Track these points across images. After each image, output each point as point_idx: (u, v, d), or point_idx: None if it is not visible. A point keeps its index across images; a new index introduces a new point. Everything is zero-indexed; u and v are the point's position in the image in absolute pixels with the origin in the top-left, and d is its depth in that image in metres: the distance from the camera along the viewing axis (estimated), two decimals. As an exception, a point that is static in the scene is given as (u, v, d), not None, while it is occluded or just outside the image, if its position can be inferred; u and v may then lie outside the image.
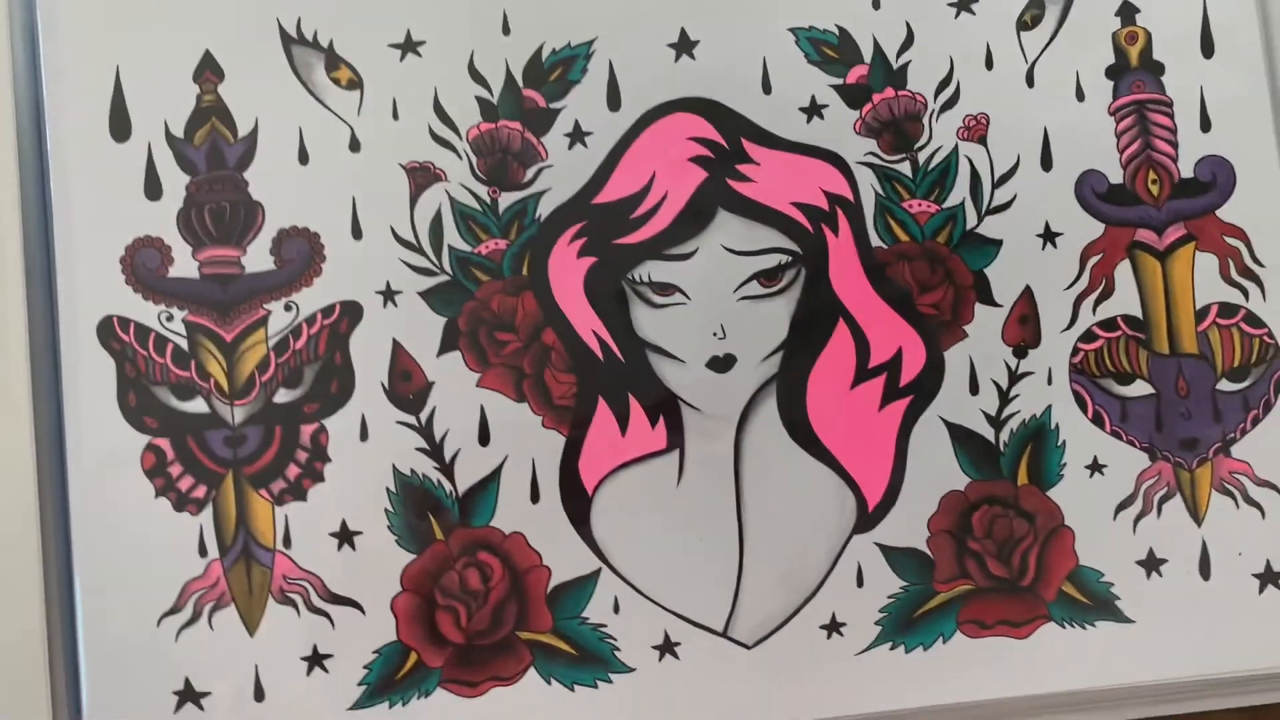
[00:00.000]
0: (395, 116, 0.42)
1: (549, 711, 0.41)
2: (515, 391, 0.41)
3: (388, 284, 0.41)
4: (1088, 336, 0.43)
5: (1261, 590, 0.42)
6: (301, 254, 0.41)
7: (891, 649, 0.42)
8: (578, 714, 0.41)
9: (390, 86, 0.42)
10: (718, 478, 0.42)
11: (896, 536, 0.42)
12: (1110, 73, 0.43)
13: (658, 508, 0.41)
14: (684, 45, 0.42)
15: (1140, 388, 0.43)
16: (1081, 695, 0.42)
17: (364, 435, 0.41)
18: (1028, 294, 0.43)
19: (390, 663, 0.40)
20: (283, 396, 0.41)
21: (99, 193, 0.41)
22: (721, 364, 0.42)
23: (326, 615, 0.40)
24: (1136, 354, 0.43)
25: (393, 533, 0.41)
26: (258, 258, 0.41)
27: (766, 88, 0.43)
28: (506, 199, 0.42)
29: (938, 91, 0.43)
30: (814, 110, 0.43)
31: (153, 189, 0.41)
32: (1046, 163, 0.43)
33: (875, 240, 0.43)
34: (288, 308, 0.41)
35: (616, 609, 0.41)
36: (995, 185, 0.43)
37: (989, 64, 0.43)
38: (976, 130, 0.43)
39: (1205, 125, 0.43)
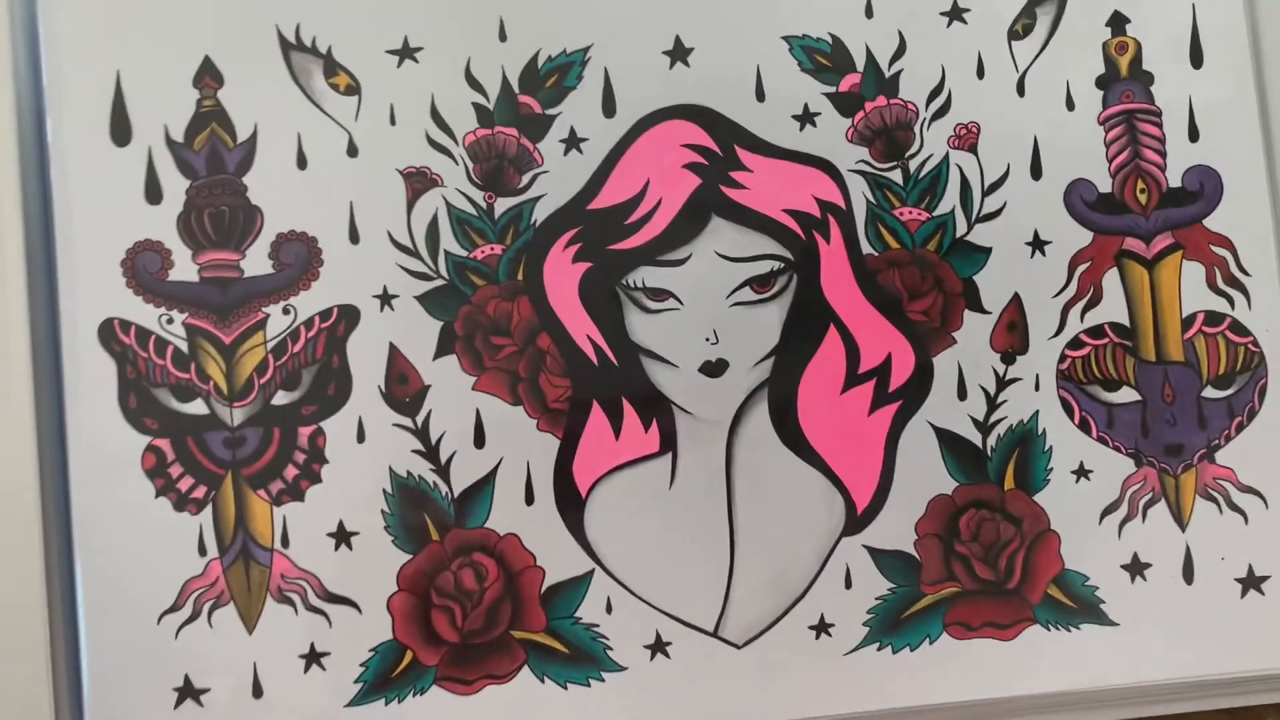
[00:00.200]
0: (393, 122, 0.42)
1: (542, 709, 0.41)
2: (510, 395, 0.41)
3: (385, 288, 0.41)
4: (1075, 343, 0.43)
5: (1244, 595, 0.42)
6: (300, 258, 0.41)
7: (879, 649, 0.42)
8: (571, 712, 0.41)
9: (388, 92, 0.42)
10: (710, 481, 0.42)
11: (885, 539, 0.42)
12: (1100, 82, 0.43)
13: (650, 510, 0.41)
14: (679, 53, 0.42)
15: (1127, 394, 0.43)
16: (1066, 697, 0.42)
17: (361, 437, 0.41)
18: (1016, 301, 0.43)
19: (386, 661, 0.40)
20: (281, 399, 0.41)
21: (100, 197, 0.41)
22: (714, 369, 0.42)
23: (324, 614, 0.40)
24: (1123, 361, 0.43)
25: (389, 533, 0.41)
26: (257, 261, 0.41)
27: (760, 95, 0.42)
28: (502, 204, 0.42)
29: (929, 100, 0.43)
30: (807, 118, 0.42)
31: (153, 193, 0.41)
32: (1036, 171, 0.43)
33: (866, 247, 0.42)
34: (286, 311, 0.41)
35: (609, 609, 0.41)
36: (985, 193, 0.43)
37: (980, 73, 0.43)
38: (967, 139, 0.43)
39: (1194, 135, 0.43)
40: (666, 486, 0.42)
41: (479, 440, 0.41)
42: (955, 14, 0.43)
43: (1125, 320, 0.43)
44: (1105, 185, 0.43)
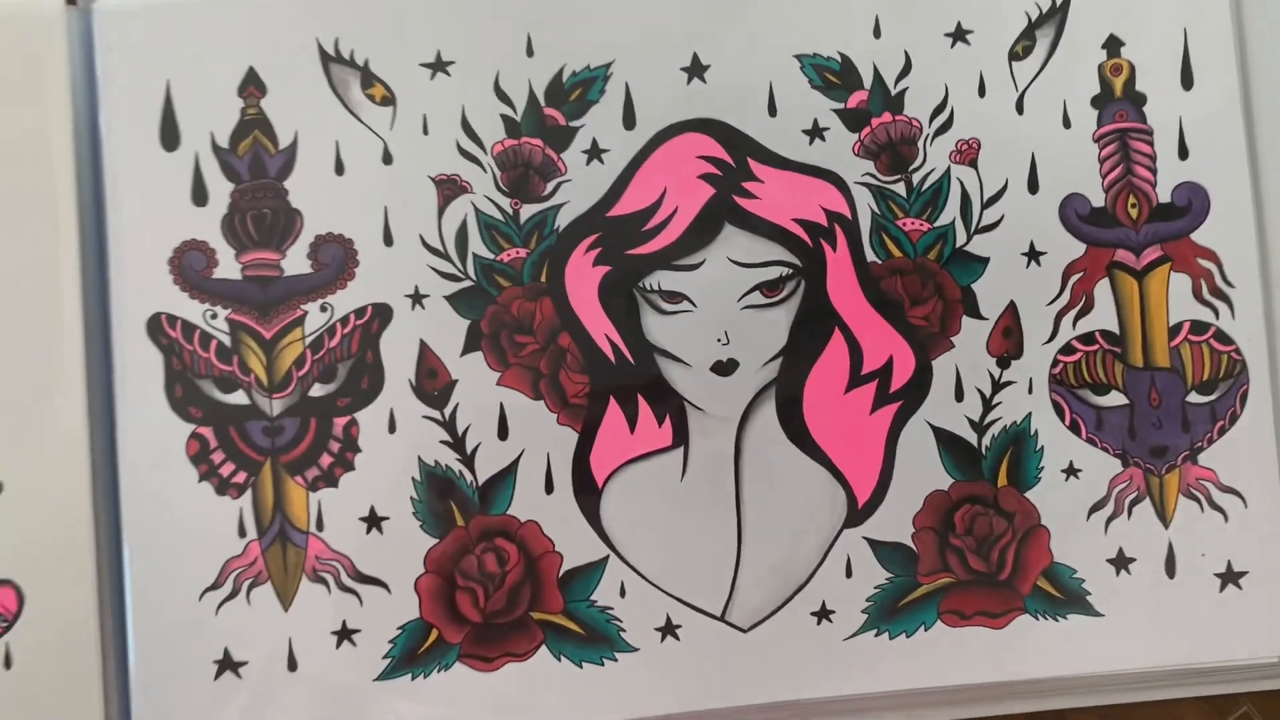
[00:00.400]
0: (425, 132, 0.42)
1: (559, 686, 0.41)
2: (532, 390, 0.42)
3: (416, 288, 0.42)
4: (1067, 349, 0.43)
5: (1222, 589, 0.42)
6: (336, 259, 0.41)
7: (876, 635, 0.42)
8: (585, 689, 0.41)
9: (421, 104, 0.42)
10: (719, 473, 0.42)
11: (884, 531, 0.42)
12: (1095, 102, 0.43)
13: (662, 500, 0.42)
14: (696, 69, 0.42)
15: (1115, 398, 0.43)
16: (1053, 683, 0.43)
17: (392, 428, 0.41)
18: (1012, 308, 0.43)
19: (413, 638, 0.41)
20: (318, 391, 0.41)
21: (149, 198, 0.41)
22: (725, 368, 0.42)
23: (355, 593, 0.41)
24: (1112, 367, 0.43)
25: (417, 518, 0.41)
26: (296, 261, 0.42)
27: (772, 110, 0.43)
28: (527, 210, 0.42)
29: (932, 117, 0.43)
30: (816, 132, 0.43)
31: (199, 196, 0.41)
32: (1033, 185, 0.43)
33: (870, 255, 0.42)
34: (323, 308, 0.41)
35: (623, 593, 0.42)
36: (984, 206, 0.43)
37: (981, 91, 0.43)
38: (968, 154, 0.43)
39: (1183, 153, 0.43)
40: (678, 478, 0.42)
41: (502, 432, 0.42)
42: (959, 35, 0.43)
43: (1115, 328, 0.43)
44: (1098, 200, 0.43)
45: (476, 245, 0.42)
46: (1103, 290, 0.43)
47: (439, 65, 0.42)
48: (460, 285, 0.42)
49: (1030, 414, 0.43)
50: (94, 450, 0.41)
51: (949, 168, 0.43)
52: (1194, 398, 0.43)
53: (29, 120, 0.41)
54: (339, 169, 0.42)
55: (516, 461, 0.42)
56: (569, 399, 0.42)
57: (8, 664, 0.40)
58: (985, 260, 0.43)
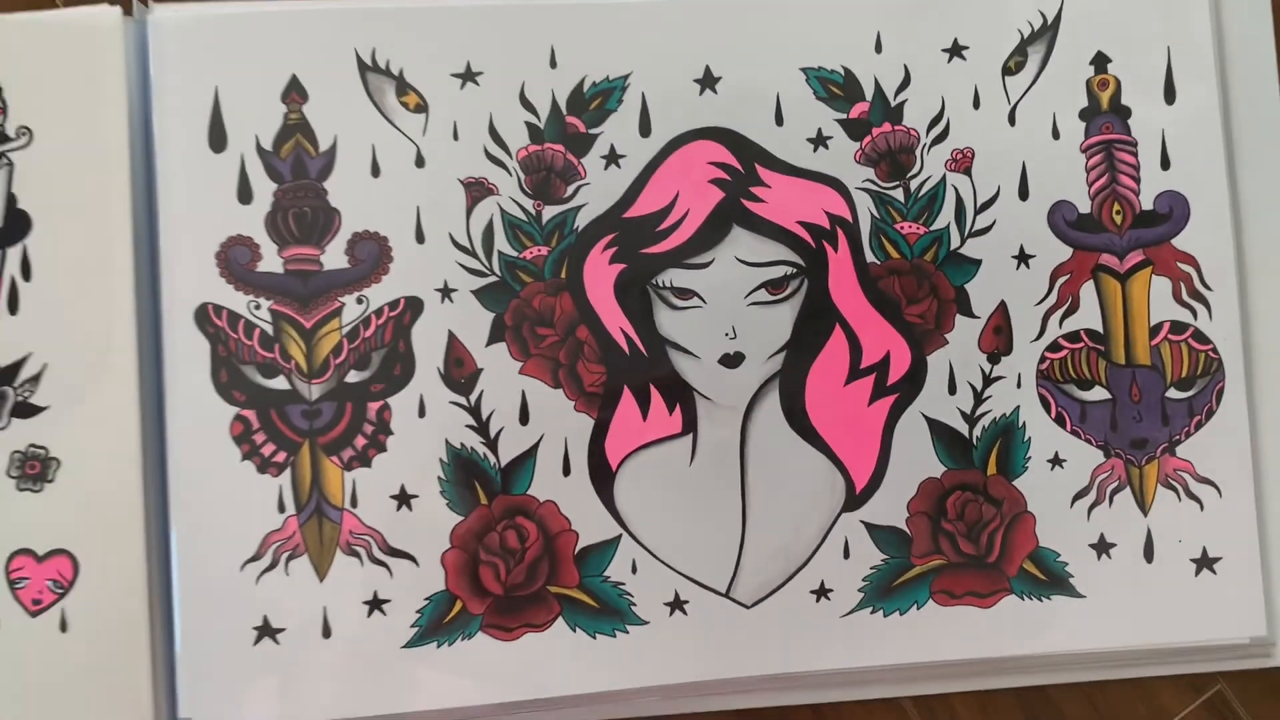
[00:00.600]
0: (455, 137, 0.43)
1: (573, 655, 0.42)
2: (552, 379, 0.43)
3: (445, 283, 0.43)
4: (1054, 347, 0.44)
5: (1198, 573, 0.44)
6: (372, 255, 0.43)
7: (872, 613, 0.43)
8: (598, 658, 0.42)
9: (452, 111, 0.43)
10: (726, 459, 0.43)
11: (880, 516, 0.43)
12: (1083, 115, 0.45)
13: (672, 484, 0.43)
14: (708, 81, 0.44)
15: (1098, 393, 0.44)
16: (1037, 660, 0.44)
17: (421, 412, 0.42)
18: (1002, 308, 0.44)
19: (439, 609, 0.42)
20: (353, 377, 0.42)
21: (198, 197, 0.42)
22: (732, 360, 0.43)
23: (385, 566, 0.42)
24: (1096, 363, 0.44)
25: (444, 497, 0.42)
26: (334, 257, 0.43)
27: (779, 120, 0.44)
28: (549, 211, 0.43)
29: (930, 127, 0.44)
30: (820, 141, 0.44)
31: (244, 194, 0.43)
32: (1024, 193, 0.44)
33: (870, 257, 0.44)
34: (359, 301, 0.43)
35: (634, 570, 0.43)
36: (977, 211, 0.44)
37: (976, 104, 0.44)
38: (963, 162, 0.44)
39: (1165, 164, 0.45)
40: (687, 464, 0.43)
41: (524, 418, 0.43)
42: (955, 51, 0.45)
43: (1099, 327, 0.44)
44: (1085, 206, 0.45)
45: (501, 243, 0.43)
46: (1088, 292, 0.45)
47: (469, 75, 0.44)
48: (486, 280, 0.43)
49: (1019, 407, 0.44)
50: (144, 430, 0.42)
51: (945, 175, 0.45)
52: (1173, 393, 0.45)
53: (88, 123, 0.42)
54: (375, 171, 0.43)
55: (536, 445, 0.43)
56: (586, 388, 0.43)
57: (64, 628, 0.41)
58: (978, 262, 0.44)
